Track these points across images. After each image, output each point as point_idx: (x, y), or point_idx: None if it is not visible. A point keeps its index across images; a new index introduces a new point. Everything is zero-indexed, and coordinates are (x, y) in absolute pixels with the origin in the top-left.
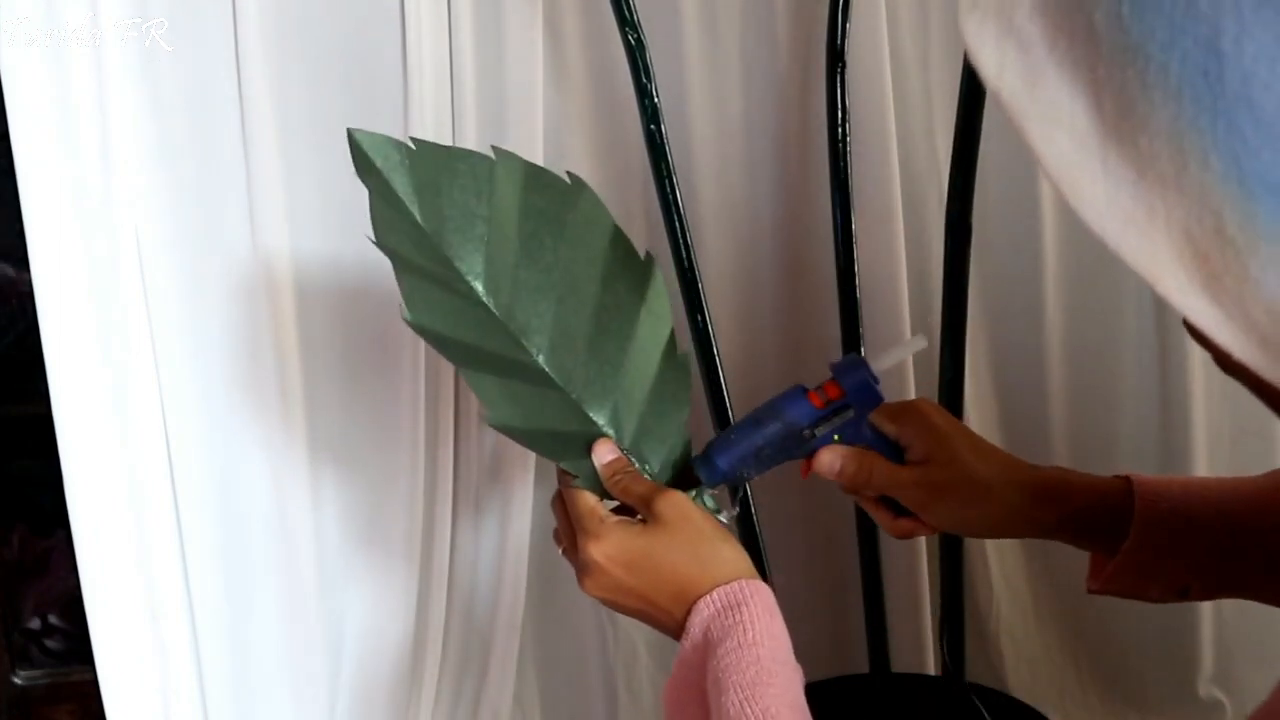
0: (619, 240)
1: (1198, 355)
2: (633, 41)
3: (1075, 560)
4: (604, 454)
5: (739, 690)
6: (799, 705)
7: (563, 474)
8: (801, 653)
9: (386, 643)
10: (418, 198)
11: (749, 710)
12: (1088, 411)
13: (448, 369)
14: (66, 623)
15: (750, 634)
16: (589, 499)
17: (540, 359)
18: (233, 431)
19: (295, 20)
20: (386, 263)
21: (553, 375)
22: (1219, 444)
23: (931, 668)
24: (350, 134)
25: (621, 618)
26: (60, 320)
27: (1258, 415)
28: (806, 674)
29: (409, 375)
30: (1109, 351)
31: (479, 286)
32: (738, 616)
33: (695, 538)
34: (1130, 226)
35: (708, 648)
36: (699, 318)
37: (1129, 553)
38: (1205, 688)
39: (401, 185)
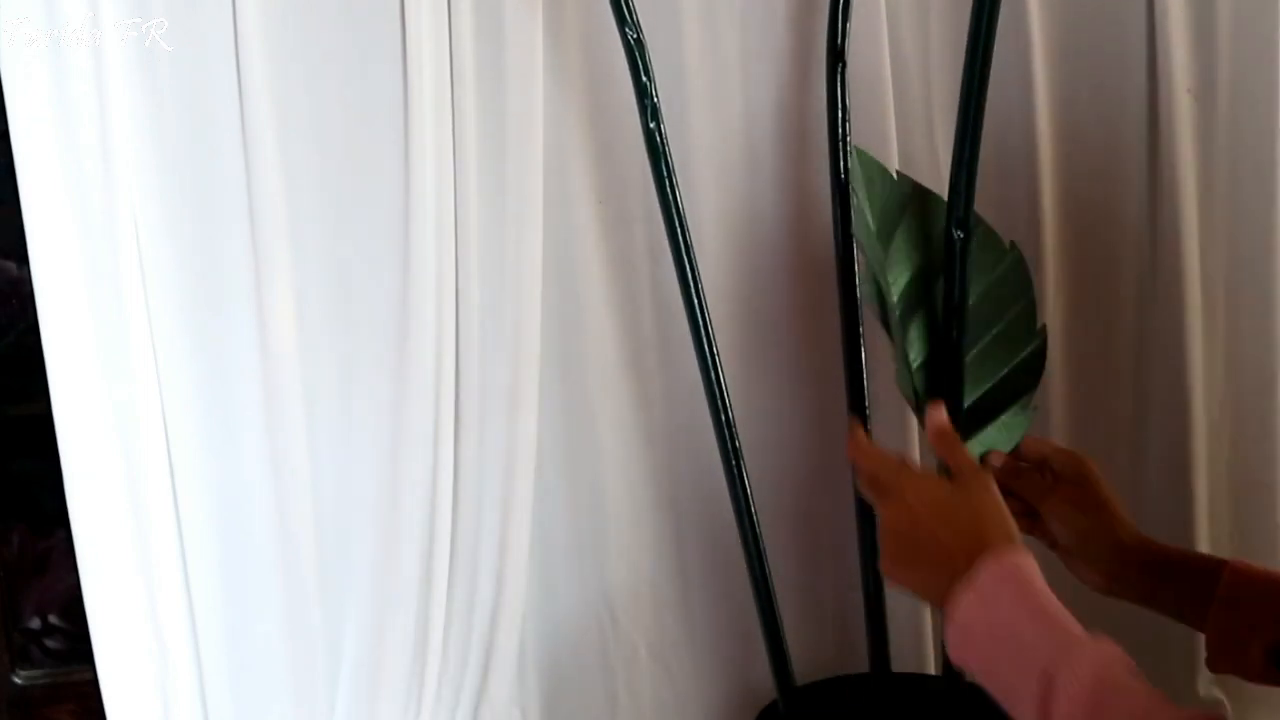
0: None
1: (1198, 359)
2: (632, 40)
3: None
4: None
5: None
6: None
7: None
8: (801, 653)
9: (386, 643)
10: (881, 213)
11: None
12: (1086, 416)
13: (447, 369)
14: (66, 623)
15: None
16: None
17: (914, 361)
18: (233, 431)
19: (295, 20)
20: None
21: (916, 383)
22: (1218, 447)
23: (931, 668)
24: (856, 149)
25: (622, 617)
26: (60, 320)
27: (1258, 415)
28: (806, 674)
29: (408, 375)
30: (1108, 351)
31: (893, 295)
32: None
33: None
34: None
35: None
36: (699, 318)
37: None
38: (1205, 688)
39: (871, 199)
